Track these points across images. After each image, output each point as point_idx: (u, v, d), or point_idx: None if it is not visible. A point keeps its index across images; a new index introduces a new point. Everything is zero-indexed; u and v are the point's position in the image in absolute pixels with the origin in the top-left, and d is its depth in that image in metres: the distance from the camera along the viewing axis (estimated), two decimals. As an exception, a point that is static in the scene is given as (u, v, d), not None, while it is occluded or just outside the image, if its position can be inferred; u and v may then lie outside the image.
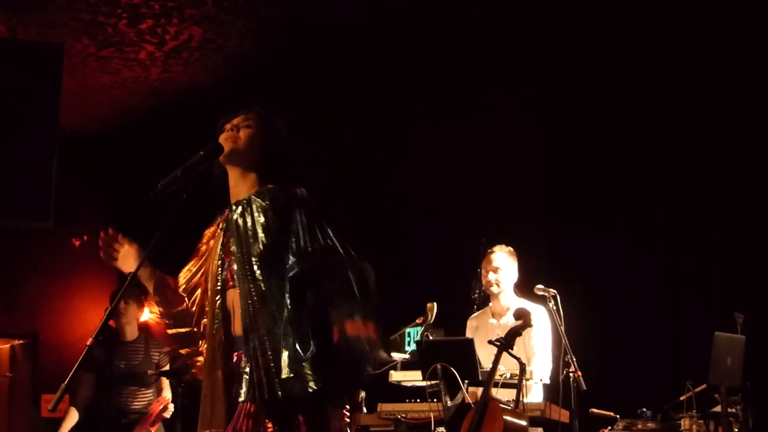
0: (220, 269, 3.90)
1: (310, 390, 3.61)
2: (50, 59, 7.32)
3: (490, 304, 7.16)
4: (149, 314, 9.81)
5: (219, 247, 3.94)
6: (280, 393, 3.58)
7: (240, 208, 3.87)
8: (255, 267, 3.73)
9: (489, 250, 7.14)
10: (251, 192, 3.91)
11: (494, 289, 7.05)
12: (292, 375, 3.59)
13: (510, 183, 8.51)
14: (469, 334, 7.15)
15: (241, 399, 3.72)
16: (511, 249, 7.13)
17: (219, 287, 3.89)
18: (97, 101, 10.45)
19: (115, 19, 8.46)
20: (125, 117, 10.90)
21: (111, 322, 3.76)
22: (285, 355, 3.60)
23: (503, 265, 7.04)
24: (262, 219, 3.78)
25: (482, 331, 6.98)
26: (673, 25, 7.81)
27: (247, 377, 3.70)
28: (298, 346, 3.61)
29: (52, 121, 7.13)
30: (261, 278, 3.70)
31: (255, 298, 3.69)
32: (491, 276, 7.05)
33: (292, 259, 3.71)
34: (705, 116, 7.65)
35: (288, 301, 3.66)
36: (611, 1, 8.18)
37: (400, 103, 9.21)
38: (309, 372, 3.62)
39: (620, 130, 8.00)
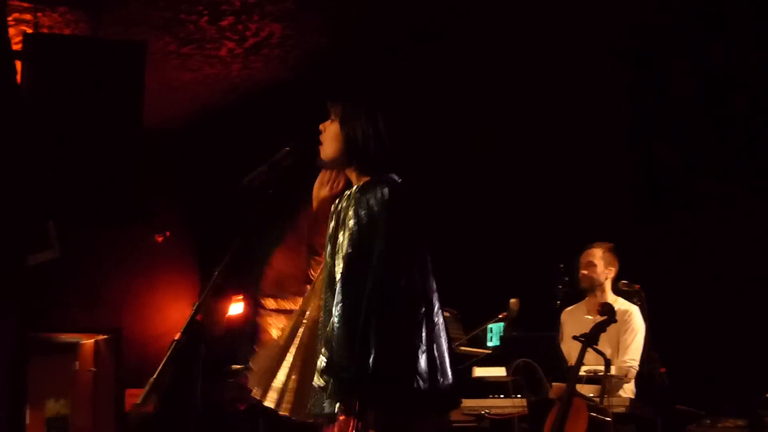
0: (329, 258, 3.77)
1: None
2: (133, 57, 7.32)
3: (587, 298, 7.11)
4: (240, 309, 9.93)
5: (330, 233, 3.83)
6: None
7: (344, 203, 3.80)
8: (339, 272, 3.65)
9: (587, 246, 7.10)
10: (356, 186, 3.82)
11: (585, 285, 7.00)
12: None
13: (596, 179, 8.43)
14: (562, 326, 7.11)
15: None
16: (610, 245, 7.04)
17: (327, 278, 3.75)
18: (178, 98, 10.52)
19: (196, 16, 8.51)
20: (206, 114, 10.97)
21: (198, 317, 3.77)
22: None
23: (598, 261, 6.98)
24: (351, 223, 3.66)
25: (576, 325, 6.90)
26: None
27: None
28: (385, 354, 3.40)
29: (135, 118, 7.16)
30: (342, 288, 3.57)
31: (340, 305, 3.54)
32: (584, 270, 7.01)
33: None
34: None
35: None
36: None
37: (484, 96, 9.11)
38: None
39: (710, 118, 7.91)
